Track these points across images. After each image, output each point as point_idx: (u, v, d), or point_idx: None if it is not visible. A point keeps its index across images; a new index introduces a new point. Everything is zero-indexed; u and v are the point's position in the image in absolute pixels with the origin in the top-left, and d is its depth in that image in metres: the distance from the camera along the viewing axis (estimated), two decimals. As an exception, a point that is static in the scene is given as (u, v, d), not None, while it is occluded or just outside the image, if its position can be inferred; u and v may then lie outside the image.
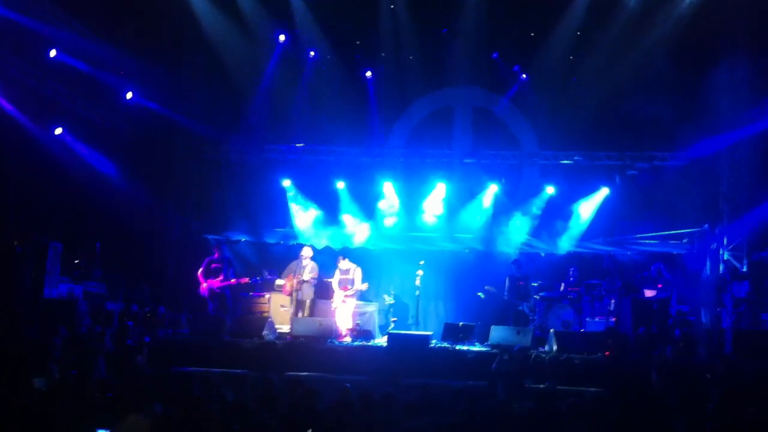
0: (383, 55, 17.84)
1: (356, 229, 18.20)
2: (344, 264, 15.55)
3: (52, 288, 14.38)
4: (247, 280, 16.03)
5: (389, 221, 18.31)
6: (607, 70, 16.69)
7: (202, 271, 15.72)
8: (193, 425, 6.96)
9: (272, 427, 7.32)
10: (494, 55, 17.50)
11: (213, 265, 15.75)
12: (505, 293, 15.69)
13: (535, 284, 16.35)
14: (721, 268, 15.67)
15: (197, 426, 6.96)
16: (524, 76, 17.68)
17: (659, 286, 15.01)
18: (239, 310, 16.42)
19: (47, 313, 13.42)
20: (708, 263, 16.03)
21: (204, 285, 15.65)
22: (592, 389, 11.62)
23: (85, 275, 15.74)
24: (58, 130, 15.77)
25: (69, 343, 12.21)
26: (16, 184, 14.89)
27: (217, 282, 15.60)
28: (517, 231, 17.75)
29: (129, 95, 16.73)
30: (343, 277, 15.44)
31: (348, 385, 9.51)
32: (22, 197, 14.85)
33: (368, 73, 18.08)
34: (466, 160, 18.34)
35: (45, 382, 6.97)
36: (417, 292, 15.63)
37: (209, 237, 17.99)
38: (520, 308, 15.55)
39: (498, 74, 17.82)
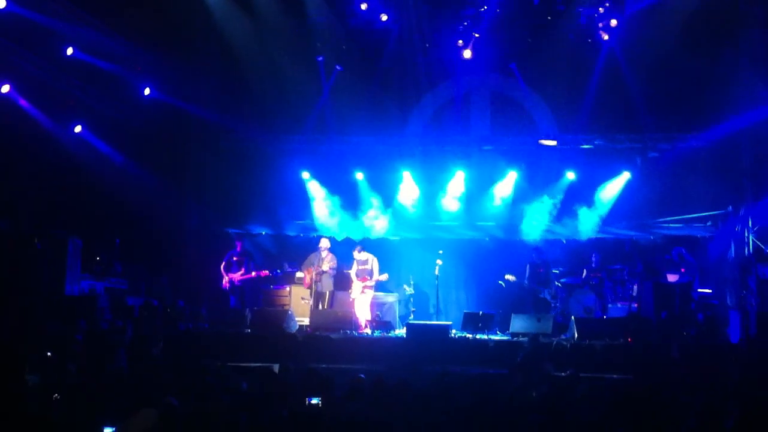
0: (399, 41, 17.66)
1: (376, 219, 18.12)
2: (361, 255, 15.49)
3: (74, 284, 14.51)
4: (267, 272, 16.11)
5: (409, 208, 18.22)
6: (624, 50, 16.45)
7: (224, 265, 15.92)
8: (202, 416, 6.93)
9: (283, 416, 7.29)
10: (512, 65, 17.33)
11: (234, 258, 15.97)
12: (526, 280, 15.57)
13: (557, 271, 16.23)
14: (746, 250, 15.38)
15: (206, 417, 6.93)
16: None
17: (682, 270, 14.79)
18: (260, 302, 16.49)
19: (68, 309, 13.53)
20: (732, 245, 15.74)
21: (225, 278, 15.79)
22: (615, 376, 11.49)
23: (106, 271, 15.85)
24: (78, 128, 15.85)
25: (89, 338, 12.28)
26: (34, 181, 15.00)
27: (238, 275, 15.76)
28: (538, 217, 17.55)
29: (147, 91, 16.77)
30: (361, 267, 15.39)
31: (362, 375, 9.47)
32: (41, 193, 14.97)
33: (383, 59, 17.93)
34: (485, 147, 18.13)
35: (38, 378, 6.97)
36: (436, 282, 15.56)
37: (230, 230, 18.06)
38: (542, 295, 15.44)
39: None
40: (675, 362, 11.26)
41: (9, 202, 14.56)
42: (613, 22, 16.46)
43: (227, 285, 15.91)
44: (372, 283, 15.22)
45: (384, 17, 17.07)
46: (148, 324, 13.61)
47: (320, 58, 17.52)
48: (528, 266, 15.66)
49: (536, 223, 17.51)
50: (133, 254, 16.58)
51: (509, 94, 18.21)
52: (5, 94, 14.10)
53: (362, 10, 16.99)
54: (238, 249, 16.16)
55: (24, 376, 4.27)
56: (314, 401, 8.15)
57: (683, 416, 7.09)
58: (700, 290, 14.91)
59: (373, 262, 15.29)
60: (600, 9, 16.50)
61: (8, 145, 14.44)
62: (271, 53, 17.38)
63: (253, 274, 15.91)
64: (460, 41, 17.18)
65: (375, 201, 18.07)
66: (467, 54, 17.00)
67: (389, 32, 17.51)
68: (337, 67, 17.64)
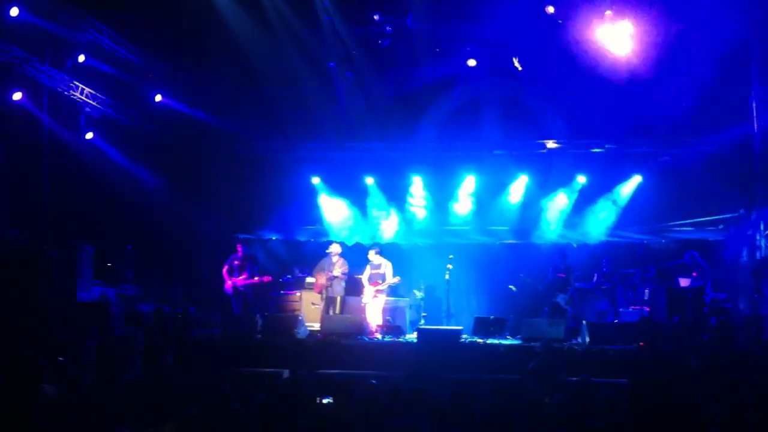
0: (409, 47, 17.58)
1: (386, 225, 18.17)
2: (376, 258, 15.46)
3: (86, 291, 14.55)
4: (269, 278, 16.10)
5: (420, 213, 18.27)
6: (636, 54, 16.36)
7: (226, 269, 15.84)
8: (217, 426, 6.95)
9: (298, 424, 7.30)
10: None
11: (236, 263, 15.85)
12: (544, 284, 15.54)
13: (567, 275, 16.21)
14: (758, 254, 15.31)
15: (221, 426, 6.94)
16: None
17: (694, 274, 14.75)
18: (271, 308, 16.50)
19: (81, 316, 13.57)
20: (745, 249, 15.68)
21: (228, 283, 15.74)
22: (628, 380, 11.44)
23: (118, 277, 15.91)
24: (89, 135, 15.91)
25: (102, 345, 12.32)
26: (48, 189, 15.03)
27: (241, 280, 15.70)
28: (549, 221, 17.56)
29: (158, 98, 16.83)
30: (374, 272, 15.38)
31: (374, 381, 9.47)
32: (54, 201, 14.99)
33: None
34: (496, 152, 18.14)
35: (56, 387, 7.00)
36: (447, 287, 15.57)
37: (241, 236, 18.10)
38: (556, 300, 15.40)
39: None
40: (694, 370, 11.18)
41: (21, 210, 14.61)
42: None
43: (230, 289, 15.82)
44: (384, 287, 15.20)
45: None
46: (159, 331, 13.64)
47: (332, 65, 17.46)
48: (551, 270, 15.62)
49: (547, 226, 17.54)
50: (146, 261, 16.64)
51: (519, 98, 18.14)
52: (18, 101, 14.13)
53: (374, 18, 16.94)
54: (240, 253, 15.97)
55: (38, 386, 4.28)
56: (325, 401, 8.23)
57: (704, 423, 7.07)
58: (712, 294, 14.85)
59: (386, 267, 15.29)
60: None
61: (21, 154, 14.50)
62: (283, 61, 17.37)
63: (257, 279, 15.85)
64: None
65: (385, 206, 18.11)
66: (472, 62, 16.96)
67: (399, 40, 17.46)
68: (348, 74, 17.60)
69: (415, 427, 6.71)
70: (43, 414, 5.07)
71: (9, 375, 4.42)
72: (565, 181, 17.74)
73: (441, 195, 18.19)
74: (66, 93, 15.01)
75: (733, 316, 14.48)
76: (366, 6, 16.82)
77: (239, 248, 16.09)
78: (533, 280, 15.74)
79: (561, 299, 15.40)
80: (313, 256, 17.45)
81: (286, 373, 12.55)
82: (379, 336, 14.46)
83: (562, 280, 15.45)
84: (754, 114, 15.25)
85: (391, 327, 14.97)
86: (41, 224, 14.81)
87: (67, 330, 12.85)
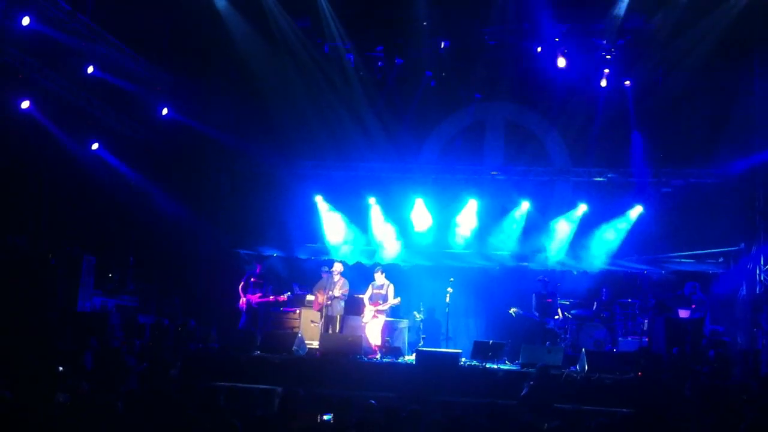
0: (414, 69, 17.71)
1: (387, 245, 18.17)
2: (380, 278, 15.48)
3: (86, 301, 14.59)
4: (284, 298, 16.19)
5: (421, 235, 18.29)
6: (640, 85, 16.52)
7: (242, 285, 16.03)
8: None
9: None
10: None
11: (252, 280, 16.12)
12: (534, 311, 15.56)
13: (567, 302, 16.22)
14: (758, 288, 15.34)
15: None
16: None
17: (692, 306, 14.77)
18: (270, 324, 16.51)
19: (80, 325, 13.59)
20: (744, 283, 15.71)
21: (243, 299, 15.83)
22: (624, 410, 11.44)
23: (118, 288, 15.95)
24: (95, 146, 15.97)
25: (100, 356, 12.31)
26: (51, 198, 15.08)
27: (256, 297, 15.85)
28: (550, 248, 17.58)
29: (165, 111, 16.90)
30: (376, 292, 15.41)
31: (373, 401, 9.45)
32: (57, 210, 15.04)
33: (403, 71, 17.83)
34: (498, 176, 18.19)
35: (68, 396, 7.01)
36: (446, 310, 15.57)
37: (241, 252, 18.14)
38: (549, 326, 15.40)
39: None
40: (687, 400, 11.19)
41: (25, 217, 14.65)
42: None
43: (244, 305, 15.97)
44: (384, 307, 15.22)
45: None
46: (159, 344, 13.65)
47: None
48: (534, 297, 15.65)
49: (548, 253, 17.55)
50: (145, 272, 16.66)
51: (523, 124, 18.24)
52: (25, 110, 14.20)
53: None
54: (258, 271, 16.32)
55: (53, 394, 4.30)
56: (326, 417, 8.21)
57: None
58: (711, 327, 14.86)
59: (388, 288, 15.32)
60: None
61: (26, 161, 14.56)
62: (288, 79, 17.48)
63: (272, 298, 16.02)
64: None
65: (387, 226, 18.13)
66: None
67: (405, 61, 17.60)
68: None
69: None
70: (57, 420, 5.12)
71: (26, 383, 4.47)
72: (567, 208, 17.76)
73: (443, 217, 18.19)
74: (73, 103, 15.08)
75: (730, 349, 14.49)
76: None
77: (257, 266, 16.44)
78: (526, 310, 15.76)
79: (553, 325, 15.42)
80: (312, 273, 17.44)
81: (279, 390, 12.57)
82: (377, 356, 14.43)
83: (548, 305, 15.47)
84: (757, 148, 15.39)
85: (390, 348, 14.94)
86: (44, 232, 14.85)
87: (67, 339, 12.86)
